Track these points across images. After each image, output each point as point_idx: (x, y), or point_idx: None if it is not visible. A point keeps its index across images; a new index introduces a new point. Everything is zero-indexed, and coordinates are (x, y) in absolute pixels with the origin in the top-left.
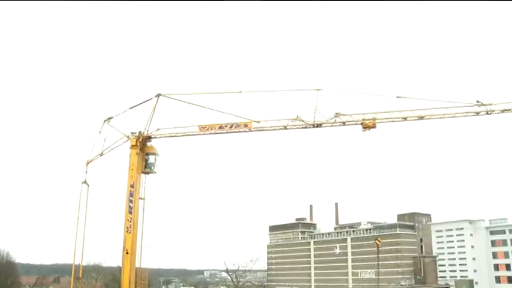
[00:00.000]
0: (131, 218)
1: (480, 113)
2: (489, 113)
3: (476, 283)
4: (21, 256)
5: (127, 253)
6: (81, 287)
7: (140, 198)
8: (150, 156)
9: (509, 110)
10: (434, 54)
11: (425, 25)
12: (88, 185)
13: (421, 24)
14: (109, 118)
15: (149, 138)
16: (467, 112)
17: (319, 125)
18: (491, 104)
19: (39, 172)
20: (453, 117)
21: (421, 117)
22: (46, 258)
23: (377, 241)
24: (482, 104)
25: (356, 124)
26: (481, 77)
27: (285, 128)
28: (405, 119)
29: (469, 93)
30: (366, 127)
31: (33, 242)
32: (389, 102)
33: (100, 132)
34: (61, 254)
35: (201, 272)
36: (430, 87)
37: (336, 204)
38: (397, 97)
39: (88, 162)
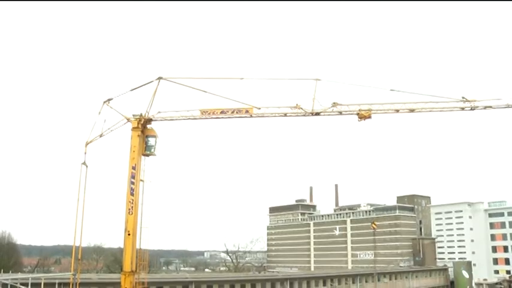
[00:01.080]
0: (133, 200)
1: (465, 109)
2: (473, 108)
3: (474, 265)
4: (22, 238)
5: (129, 234)
6: (81, 268)
7: (140, 180)
8: (150, 139)
9: (490, 106)
10: (428, 50)
11: (421, 22)
12: (87, 166)
13: (417, 21)
14: (109, 99)
15: (150, 120)
16: (453, 107)
17: (317, 114)
18: (475, 101)
19: (39, 153)
20: (441, 111)
21: (412, 110)
22: (47, 239)
23: (373, 225)
24: (467, 100)
25: (352, 114)
26: (472, 74)
27: (285, 115)
28: (397, 111)
29: (459, 90)
30: (361, 117)
31: (34, 224)
32: (383, 94)
33: (99, 113)
34: (62, 236)
35: (201, 253)
36: (422, 82)
37: (336, 186)
38: (391, 90)
39: (87, 143)
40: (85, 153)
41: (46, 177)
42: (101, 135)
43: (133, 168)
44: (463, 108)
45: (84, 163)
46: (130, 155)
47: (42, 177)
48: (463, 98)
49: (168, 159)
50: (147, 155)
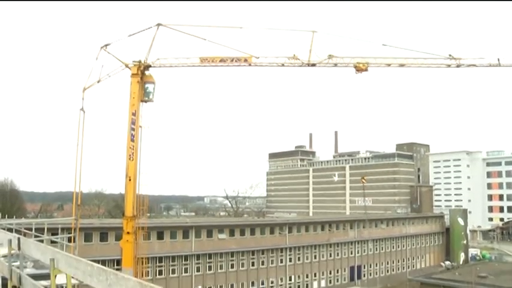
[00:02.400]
0: (133, 146)
1: (451, 66)
2: (458, 66)
3: (470, 212)
4: (25, 184)
5: (130, 180)
6: (83, 213)
7: (139, 127)
8: (148, 85)
9: (474, 65)
10: (420, 8)
11: None
12: (84, 112)
13: None
14: (106, 45)
15: (148, 67)
16: (440, 64)
17: (313, 65)
18: (460, 59)
19: (40, 99)
20: (429, 67)
21: (402, 65)
22: (49, 186)
23: (362, 179)
24: (454, 58)
25: (347, 66)
26: (461, 34)
27: (283, 65)
28: (389, 65)
29: (447, 48)
30: (359, 70)
31: (36, 171)
32: (375, 49)
33: (97, 58)
34: (64, 182)
35: (201, 198)
36: (413, 40)
37: (336, 133)
38: (383, 45)
39: (84, 89)
40: (83, 99)
41: (47, 123)
42: (98, 81)
43: (133, 114)
44: (449, 66)
45: (82, 109)
46: (130, 102)
47: (44, 124)
48: (450, 55)
49: (169, 106)
50: (146, 101)
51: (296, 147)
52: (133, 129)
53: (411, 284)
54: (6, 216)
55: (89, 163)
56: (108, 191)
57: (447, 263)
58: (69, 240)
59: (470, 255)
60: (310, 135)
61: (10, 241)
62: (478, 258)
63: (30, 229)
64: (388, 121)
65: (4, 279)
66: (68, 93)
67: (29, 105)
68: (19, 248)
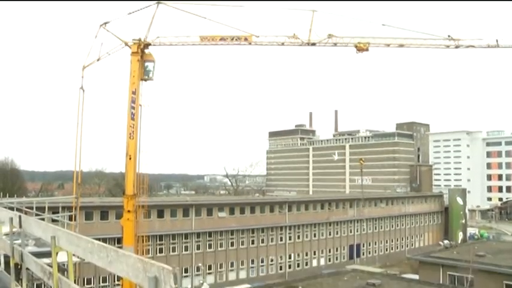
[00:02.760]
0: (133, 125)
1: (450, 46)
2: (457, 47)
3: (469, 192)
4: (25, 164)
5: (130, 158)
6: (83, 192)
7: (139, 105)
8: (148, 64)
9: (473, 46)
10: None
11: None
12: (83, 91)
13: None
14: (105, 23)
15: (148, 45)
16: (439, 45)
17: (313, 44)
18: (459, 40)
19: (40, 77)
20: (427, 47)
21: (402, 45)
22: (50, 165)
23: (360, 161)
24: (452, 39)
25: (347, 46)
26: (460, 15)
27: (283, 44)
28: (388, 45)
29: (446, 29)
30: (359, 49)
31: (37, 150)
32: (375, 29)
33: (96, 36)
34: (64, 161)
35: (201, 177)
36: (413, 19)
37: (336, 111)
38: (382, 25)
39: (84, 68)
40: (82, 77)
41: (48, 102)
42: (98, 60)
43: (134, 93)
44: (448, 46)
45: (81, 88)
46: (130, 80)
47: (44, 103)
48: (448, 36)
49: (170, 85)
50: (146, 80)
51: (296, 126)
52: (133, 108)
53: (410, 262)
54: (7, 195)
55: (89, 142)
56: (108, 169)
57: (445, 242)
58: (70, 218)
59: (468, 234)
60: (310, 114)
61: (11, 219)
62: (476, 237)
63: (31, 208)
64: (388, 101)
65: (6, 256)
66: (68, 71)
67: (29, 84)
68: (20, 226)
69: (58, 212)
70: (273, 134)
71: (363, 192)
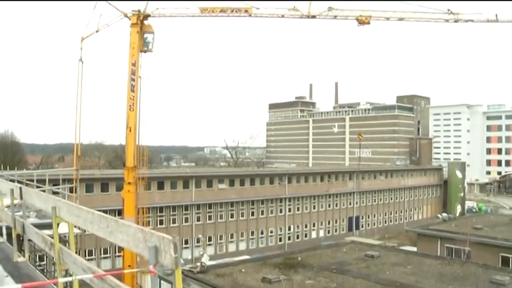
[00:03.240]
0: (133, 96)
1: (449, 20)
2: (456, 21)
3: (468, 165)
4: (25, 136)
5: (130, 130)
6: (84, 165)
7: (139, 77)
8: (147, 35)
9: (472, 20)
10: None
11: None
12: (82, 63)
13: None
14: None
15: (147, 17)
16: (439, 18)
17: (313, 17)
18: (458, 14)
19: (40, 49)
20: (427, 21)
21: (401, 19)
22: (50, 138)
23: (359, 136)
24: (452, 13)
25: (346, 19)
26: None
27: (283, 16)
28: (388, 19)
29: (450, 3)
30: (361, 23)
31: (36, 123)
32: (375, 4)
33: (95, 8)
34: (64, 134)
35: (201, 148)
36: None
37: (336, 83)
38: None
39: (83, 39)
40: (81, 49)
41: (48, 75)
42: (97, 31)
43: (133, 64)
44: (447, 20)
45: (80, 59)
46: (130, 52)
47: (44, 75)
48: (448, 10)
49: (170, 57)
50: (145, 52)
51: (296, 98)
52: (133, 80)
53: (408, 234)
54: (8, 168)
55: (89, 114)
56: (108, 142)
57: (444, 214)
58: (71, 190)
59: (466, 207)
60: (311, 86)
61: (12, 191)
62: (474, 210)
63: (32, 180)
64: (389, 74)
65: (8, 228)
66: (68, 43)
67: (29, 56)
68: (21, 198)
69: (59, 184)
70: (273, 106)
71: (359, 165)
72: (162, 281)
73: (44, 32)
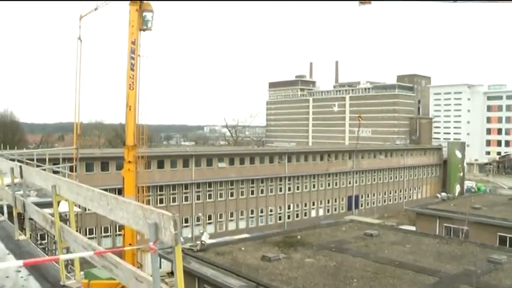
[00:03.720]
0: (133, 75)
1: None
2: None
3: (468, 145)
4: (25, 116)
5: (130, 109)
6: (84, 144)
7: (138, 56)
8: (146, 14)
9: None
10: None
11: None
12: (81, 41)
13: None
14: None
15: None
16: None
17: None
18: None
19: (39, 27)
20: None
21: None
22: (49, 117)
23: (359, 117)
24: None
25: None
26: None
27: None
28: None
29: None
30: (362, 1)
31: (36, 102)
32: None
33: None
34: (64, 113)
35: (201, 127)
36: None
37: (336, 62)
38: None
39: (81, 17)
40: (80, 27)
41: (47, 53)
42: (95, 9)
43: (133, 43)
44: None
45: (79, 38)
46: (129, 30)
47: (43, 54)
48: None
49: (170, 36)
50: (144, 30)
51: (296, 76)
52: (132, 58)
53: (407, 214)
54: (8, 147)
55: (89, 93)
56: (108, 121)
57: (443, 194)
58: (71, 169)
59: (465, 187)
60: (311, 64)
61: (12, 169)
62: (473, 190)
63: (32, 159)
64: (390, 53)
65: (9, 207)
66: (67, 21)
67: (28, 34)
68: (21, 176)
69: (59, 164)
70: (273, 85)
71: (357, 145)
72: (162, 260)
73: (43, 10)
